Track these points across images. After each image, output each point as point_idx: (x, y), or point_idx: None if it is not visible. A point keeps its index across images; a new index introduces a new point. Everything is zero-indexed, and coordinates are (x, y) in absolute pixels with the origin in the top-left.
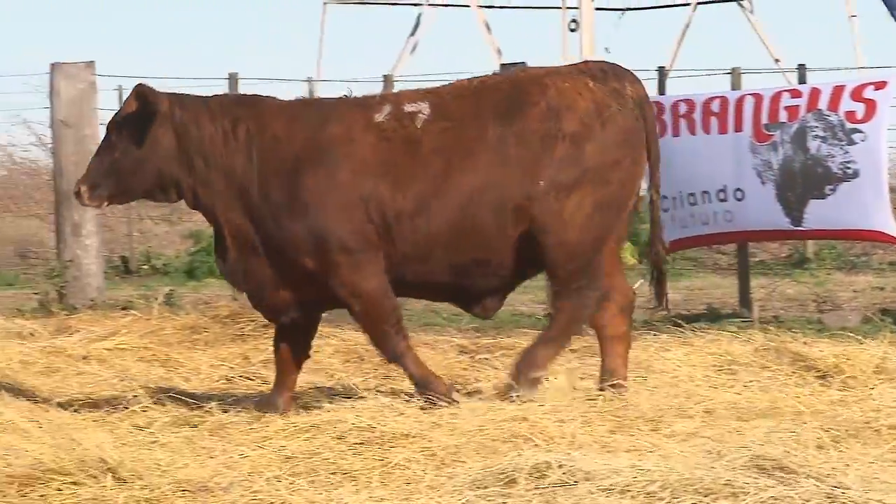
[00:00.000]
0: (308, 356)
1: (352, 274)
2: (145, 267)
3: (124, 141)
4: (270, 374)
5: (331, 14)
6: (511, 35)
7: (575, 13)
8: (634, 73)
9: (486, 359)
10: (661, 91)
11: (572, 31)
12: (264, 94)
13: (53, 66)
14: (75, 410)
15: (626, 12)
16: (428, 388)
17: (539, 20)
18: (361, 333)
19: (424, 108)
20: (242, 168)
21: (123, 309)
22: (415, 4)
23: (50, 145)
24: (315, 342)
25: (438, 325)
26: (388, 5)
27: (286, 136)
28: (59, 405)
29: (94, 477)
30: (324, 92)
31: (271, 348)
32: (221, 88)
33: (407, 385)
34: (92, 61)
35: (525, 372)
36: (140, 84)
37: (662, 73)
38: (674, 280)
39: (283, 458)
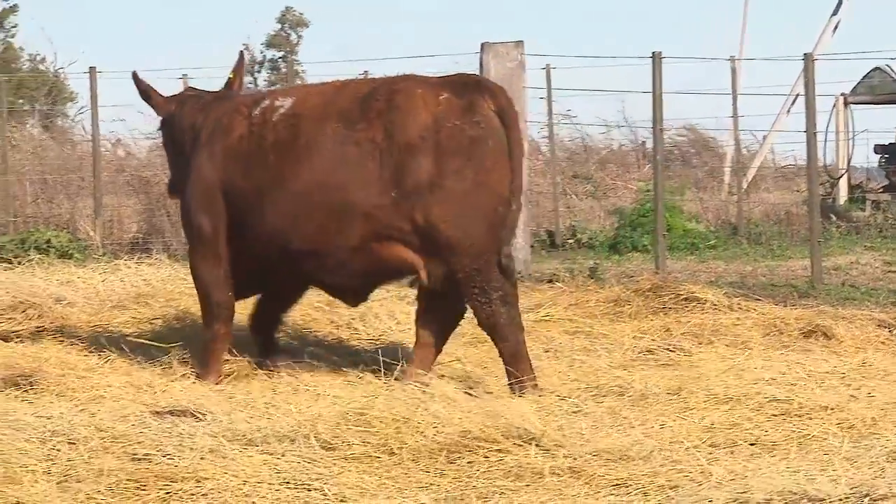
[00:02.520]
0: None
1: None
2: (570, 241)
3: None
4: (691, 346)
5: None
6: None
7: None
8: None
9: None
10: None
11: None
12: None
13: (483, 45)
14: (501, 380)
15: None
16: (203, 375)
17: None
18: (778, 308)
19: (287, 103)
20: None
21: (549, 282)
22: None
23: None
24: (735, 315)
25: (856, 299)
26: None
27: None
28: (486, 375)
29: (519, 445)
30: (745, 71)
31: (693, 321)
32: (645, 68)
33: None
34: (521, 41)
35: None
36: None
37: None
38: None
39: (702, 428)
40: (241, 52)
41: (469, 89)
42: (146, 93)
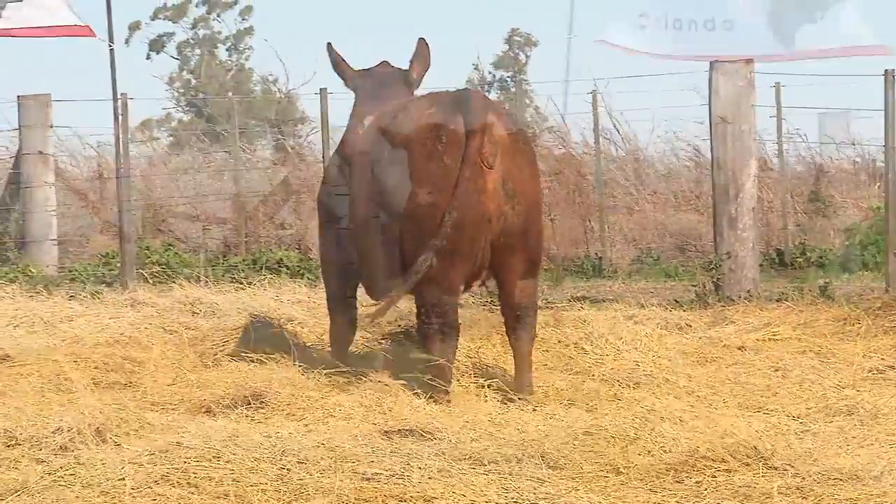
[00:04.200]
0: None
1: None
2: (800, 259)
3: None
4: None
5: None
6: None
7: None
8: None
9: None
10: None
11: None
12: None
13: (713, 64)
14: (729, 399)
15: None
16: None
17: None
18: None
19: (369, 119)
20: None
21: (778, 300)
22: None
23: (707, 141)
24: None
25: None
26: None
27: None
28: (714, 394)
29: (747, 465)
30: None
31: None
32: (876, 84)
33: None
34: (751, 59)
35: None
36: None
37: None
38: None
39: None
40: (422, 38)
41: (453, 105)
42: (337, 64)
